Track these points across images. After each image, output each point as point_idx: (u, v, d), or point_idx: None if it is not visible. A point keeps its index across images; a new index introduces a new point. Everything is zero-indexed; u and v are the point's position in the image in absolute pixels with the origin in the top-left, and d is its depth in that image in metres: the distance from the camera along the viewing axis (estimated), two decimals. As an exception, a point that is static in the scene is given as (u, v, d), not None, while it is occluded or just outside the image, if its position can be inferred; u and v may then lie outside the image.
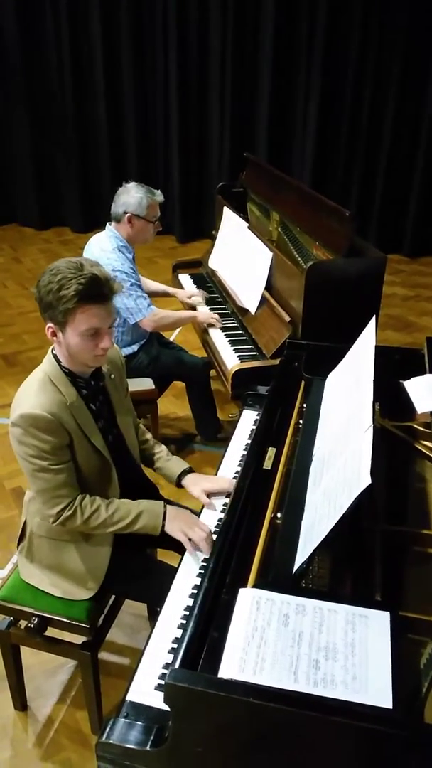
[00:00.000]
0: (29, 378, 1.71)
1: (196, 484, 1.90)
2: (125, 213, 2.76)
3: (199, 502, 1.88)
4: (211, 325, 3.09)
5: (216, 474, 1.99)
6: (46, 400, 1.63)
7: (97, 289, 1.58)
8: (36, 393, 1.64)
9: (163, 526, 1.75)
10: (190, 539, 1.70)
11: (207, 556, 1.66)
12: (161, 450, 2.02)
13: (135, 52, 5.67)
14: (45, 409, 1.61)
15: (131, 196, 2.76)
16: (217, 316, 3.13)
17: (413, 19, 5.21)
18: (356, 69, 5.47)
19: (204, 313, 3.18)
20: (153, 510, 1.76)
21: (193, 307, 3.30)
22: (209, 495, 1.87)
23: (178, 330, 4.42)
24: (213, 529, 1.77)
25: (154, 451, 2.01)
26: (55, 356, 1.70)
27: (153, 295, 3.24)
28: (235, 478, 1.94)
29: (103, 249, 2.77)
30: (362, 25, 5.30)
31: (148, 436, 2.05)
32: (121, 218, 2.78)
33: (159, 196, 2.84)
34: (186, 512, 1.80)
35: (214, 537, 1.72)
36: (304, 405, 1.98)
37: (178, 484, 1.95)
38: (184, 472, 1.94)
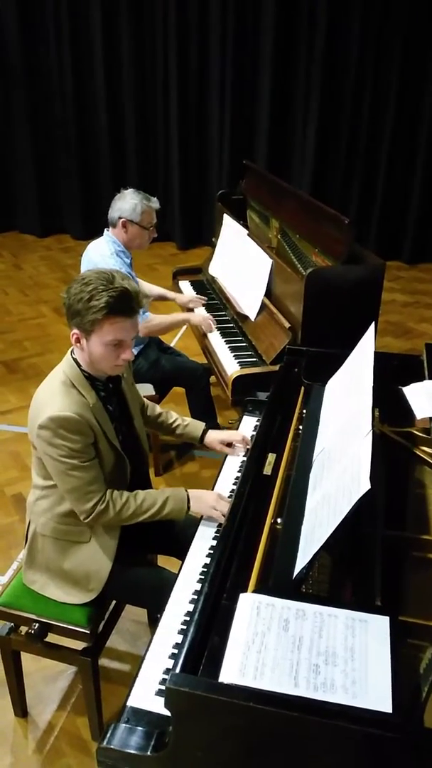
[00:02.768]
0: (49, 381, 1.74)
1: (215, 439, 2.11)
2: (120, 218, 2.79)
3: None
4: (207, 329, 3.12)
5: (216, 480, 2.01)
6: (72, 402, 1.67)
7: (126, 303, 1.64)
8: (61, 395, 1.68)
9: (188, 509, 1.82)
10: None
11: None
12: (176, 418, 2.16)
13: (135, 61, 5.71)
14: (72, 410, 1.66)
15: (126, 202, 2.79)
16: (211, 318, 3.16)
17: (412, 28, 5.25)
18: (356, 77, 5.50)
19: (198, 315, 3.21)
20: (177, 495, 1.83)
21: (191, 311, 3.32)
22: (228, 445, 2.10)
23: (178, 336, 4.43)
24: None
25: (170, 420, 2.14)
26: (74, 359, 1.73)
27: (152, 299, 3.26)
28: (235, 484, 1.96)
29: (102, 254, 2.79)
30: (361, 34, 5.33)
31: (159, 409, 2.16)
32: (116, 223, 2.81)
33: (155, 203, 2.87)
34: (206, 491, 1.87)
35: (214, 542, 1.73)
36: (304, 411, 1.99)
37: (201, 442, 2.13)
38: (204, 432, 2.12)
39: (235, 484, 1.96)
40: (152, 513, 1.79)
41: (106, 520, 1.76)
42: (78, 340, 1.68)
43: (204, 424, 2.15)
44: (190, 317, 3.18)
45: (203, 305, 3.38)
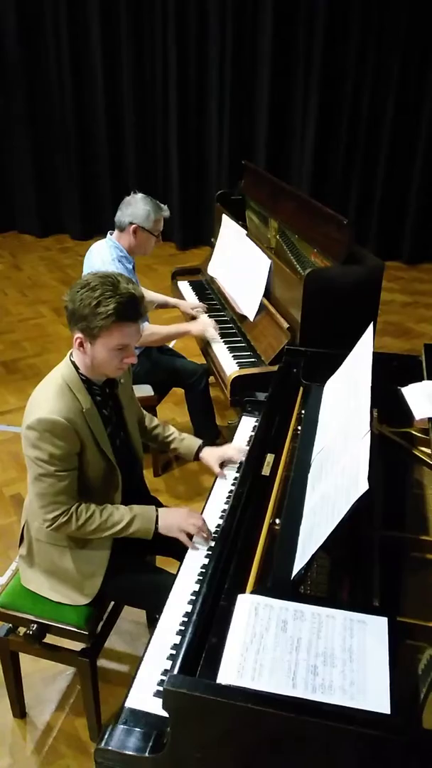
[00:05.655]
0: (46, 382, 1.73)
1: (211, 456, 2.04)
2: (131, 223, 2.76)
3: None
4: (210, 338, 3.06)
5: (215, 482, 2.01)
6: (64, 406, 1.66)
7: (133, 308, 1.64)
8: (54, 398, 1.67)
9: (157, 529, 1.78)
10: (188, 536, 1.75)
11: (209, 544, 1.74)
12: (172, 432, 2.11)
13: (134, 62, 5.71)
14: (62, 415, 1.64)
15: (140, 208, 2.76)
16: (214, 325, 3.07)
17: (412, 27, 5.24)
18: (355, 77, 5.50)
19: (200, 323, 3.12)
20: (145, 515, 1.79)
21: (194, 319, 3.29)
22: (222, 465, 2.03)
23: (177, 336, 4.42)
24: (220, 514, 1.85)
25: (167, 434, 2.10)
26: (73, 362, 1.73)
27: (155, 305, 3.25)
28: (233, 484, 1.95)
29: (103, 260, 2.77)
30: (360, 34, 5.34)
31: (156, 421, 2.12)
32: (125, 228, 2.78)
33: (166, 211, 2.85)
34: (176, 509, 1.84)
35: (212, 543, 1.73)
36: (303, 411, 1.99)
37: (196, 458, 2.07)
38: (200, 448, 2.06)
39: (233, 485, 1.96)
40: (117, 530, 1.75)
41: (67, 531, 1.75)
42: (81, 345, 1.67)
43: (201, 441, 2.09)
44: (191, 328, 3.09)
45: (206, 313, 3.33)
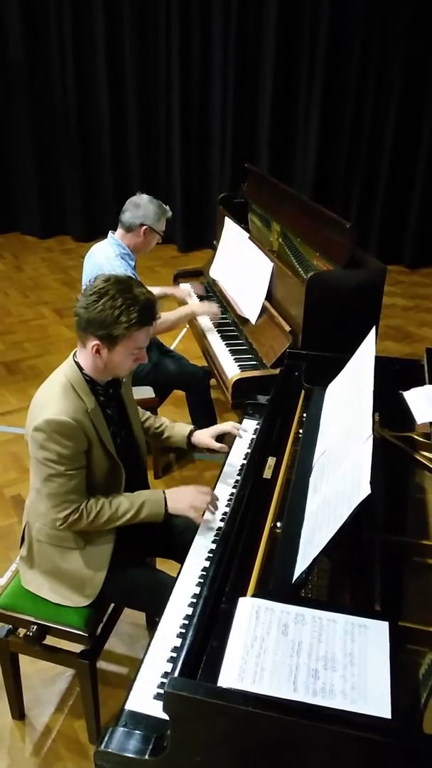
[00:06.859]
0: (50, 383, 1.74)
1: (203, 435, 2.05)
2: (141, 225, 2.78)
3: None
4: (210, 315, 3.16)
5: (216, 484, 2.01)
6: (70, 407, 1.67)
7: (151, 313, 1.68)
8: (60, 399, 1.68)
9: (167, 511, 1.80)
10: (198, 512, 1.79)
11: (219, 516, 1.81)
12: (163, 421, 2.11)
13: (138, 64, 5.72)
14: (69, 415, 1.65)
15: (150, 210, 2.79)
16: (215, 306, 3.17)
17: (414, 28, 5.25)
18: (357, 81, 5.51)
19: (200, 304, 3.23)
20: (154, 498, 1.81)
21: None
22: (217, 440, 2.05)
23: (178, 338, 4.43)
24: (220, 516, 1.85)
25: (158, 424, 2.10)
26: (76, 363, 1.74)
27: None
28: (234, 487, 1.95)
29: (107, 256, 2.79)
30: (364, 35, 5.34)
31: (148, 414, 2.13)
32: (134, 228, 2.80)
33: (169, 212, 2.91)
34: (183, 488, 1.85)
35: (213, 546, 1.73)
36: (304, 414, 1.99)
37: (189, 444, 2.07)
38: (191, 432, 2.07)
39: (234, 488, 1.95)
40: (128, 518, 1.77)
41: (79, 527, 1.76)
42: (98, 351, 1.68)
43: (192, 426, 2.10)
44: (194, 309, 3.16)
45: (201, 296, 3.41)
